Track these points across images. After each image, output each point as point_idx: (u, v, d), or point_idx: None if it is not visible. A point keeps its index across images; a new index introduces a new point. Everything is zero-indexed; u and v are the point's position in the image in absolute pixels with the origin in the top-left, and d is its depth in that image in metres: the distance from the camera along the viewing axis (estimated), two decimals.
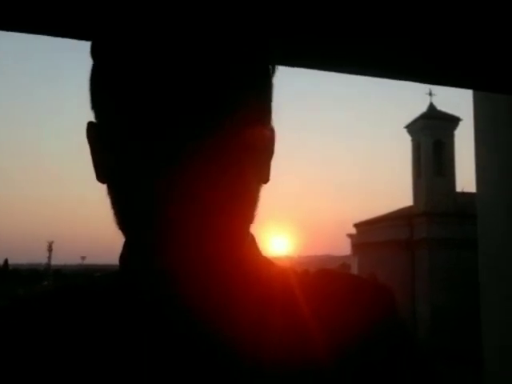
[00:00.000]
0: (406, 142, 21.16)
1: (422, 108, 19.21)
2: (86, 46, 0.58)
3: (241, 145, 0.54)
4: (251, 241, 0.62)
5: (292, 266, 0.64)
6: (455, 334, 15.01)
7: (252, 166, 0.56)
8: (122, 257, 0.61)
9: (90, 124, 0.59)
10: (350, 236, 22.50)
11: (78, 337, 0.56)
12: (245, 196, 0.56)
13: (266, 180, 0.62)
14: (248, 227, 0.60)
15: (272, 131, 0.62)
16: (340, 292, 0.59)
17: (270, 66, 0.59)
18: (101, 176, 0.59)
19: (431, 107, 18.89)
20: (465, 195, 17.77)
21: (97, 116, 0.58)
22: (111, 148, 0.55)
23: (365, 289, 0.61)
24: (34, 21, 0.97)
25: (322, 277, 0.62)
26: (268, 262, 0.63)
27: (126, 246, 0.60)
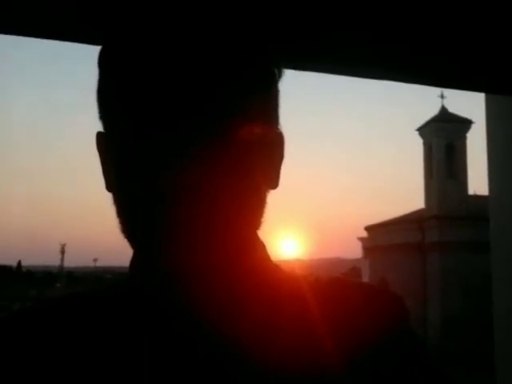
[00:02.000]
0: (417, 145, 21.02)
1: (434, 111, 19.10)
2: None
3: (247, 148, 0.54)
4: (262, 247, 0.62)
5: (303, 274, 0.63)
6: (467, 340, 14.86)
7: (259, 170, 0.56)
8: (132, 262, 0.61)
9: (98, 134, 0.60)
10: (361, 239, 22.39)
11: (84, 341, 0.56)
12: (252, 200, 0.56)
13: (274, 185, 0.61)
14: (255, 232, 0.60)
15: (280, 135, 0.62)
16: (351, 300, 0.59)
17: (276, 71, 0.59)
18: (109, 186, 0.59)
19: (443, 110, 18.79)
20: (477, 198, 17.63)
21: (104, 126, 0.59)
22: (117, 156, 0.55)
23: (376, 297, 0.61)
24: (39, 25, 0.98)
25: (333, 284, 0.62)
26: (277, 268, 0.63)
27: (135, 252, 0.60)
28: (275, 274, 0.62)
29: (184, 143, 0.50)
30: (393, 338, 0.58)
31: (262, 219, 0.59)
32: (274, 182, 0.61)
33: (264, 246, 0.62)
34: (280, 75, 0.60)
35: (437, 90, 19.38)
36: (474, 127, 18.31)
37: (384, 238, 19.84)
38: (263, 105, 0.57)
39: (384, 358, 0.56)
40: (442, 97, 18.79)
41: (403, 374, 0.56)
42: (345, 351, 0.54)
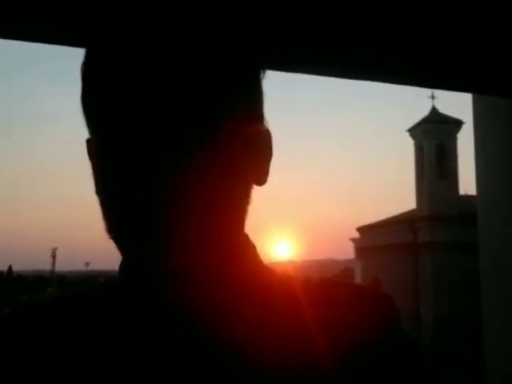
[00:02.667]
0: (408, 146, 21.08)
1: (425, 111, 19.19)
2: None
3: (236, 147, 0.55)
4: (252, 248, 0.62)
5: (293, 274, 0.64)
6: (459, 339, 14.92)
7: (248, 168, 0.57)
8: (122, 265, 0.61)
9: (88, 141, 0.61)
10: (353, 240, 22.41)
11: (79, 344, 0.56)
12: (242, 199, 0.58)
13: (262, 182, 0.61)
14: (244, 232, 0.61)
15: (267, 132, 0.62)
16: (342, 300, 0.59)
17: (260, 68, 0.60)
18: (98, 189, 0.59)
19: (433, 111, 18.85)
20: (468, 198, 17.70)
21: (90, 132, 0.59)
22: (103, 161, 0.56)
23: (366, 297, 0.61)
24: (28, 28, 0.98)
25: (323, 285, 0.62)
26: (268, 269, 0.63)
27: (123, 253, 0.59)
28: (267, 275, 0.62)
29: (174, 145, 0.51)
30: (384, 337, 0.58)
31: (245, 216, 0.59)
32: (261, 179, 0.61)
33: (254, 247, 0.63)
34: (264, 72, 0.61)
35: (427, 91, 19.48)
36: (464, 128, 18.41)
37: (376, 238, 19.88)
38: (250, 103, 0.58)
39: (375, 357, 0.56)
40: (433, 97, 18.86)
41: (395, 373, 0.57)
42: (336, 351, 0.54)
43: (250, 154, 0.58)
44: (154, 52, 0.52)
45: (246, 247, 0.61)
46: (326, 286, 0.62)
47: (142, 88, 0.51)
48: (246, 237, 0.62)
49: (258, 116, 0.61)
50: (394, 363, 0.57)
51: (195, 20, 0.55)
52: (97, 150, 0.57)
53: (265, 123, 0.62)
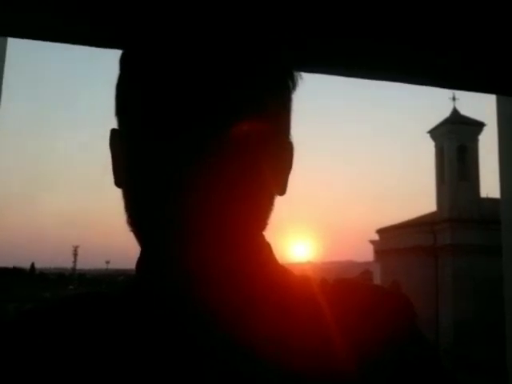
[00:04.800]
0: (429, 148, 20.88)
1: (446, 113, 18.99)
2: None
3: (260, 151, 0.55)
4: (268, 248, 0.63)
5: (311, 275, 0.64)
6: (479, 344, 14.72)
7: (270, 174, 0.57)
8: (139, 262, 0.61)
9: (113, 130, 0.62)
10: (373, 242, 22.28)
11: (96, 343, 0.56)
12: (262, 201, 0.58)
13: (282, 192, 0.62)
14: (262, 233, 0.61)
15: (291, 145, 0.64)
16: (358, 302, 0.59)
17: (289, 80, 0.61)
18: (118, 181, 0.60)
19: (454, 112, 18.67)
20: (489, 201, 17.47)
21: (120, 123, 0.60)
22: (132, 151, 0.57)
23: (384, 298, 0.61)
24: (60, 30, 1.00)
25: (340, 286, 0.62)
26: (285, 270, 0.64)
27: (143, 250, 0.61)
28: (284, 275, 0.62)
29: (198, 144, 0.52)
30: (402, 339, 0.58)
31: (268, 221, 0.60)
32: (282, 189, 0.62)
33: (270, 248, 0.63)
34: (294, 86, 0.61)
35: (448, 92, 19.26)
36: (486, 129, 18.18)
37: (396, 241, 19.73)
38: (276, 110, 0.58)
39: (394, 358, 0.56)
40: (454, 99, 18.68)
41: (413, 375, 0.56)
42: (355, 352, 0.54)
43: (274, 162, 0.58)
44: (193, 48, 0.54)
45: (262, 247, 0.62)
46: (343, 286, 0.62)
47: (180, 82, 0.53)
48: (263, 237, 0.62)
49: (285, 125, 0.62)
50: (413, 365, 0.57)
51: (231, 23, 0.57)
52: (126, 139, 0.58)
53: (290, 135, 0.63)
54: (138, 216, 0.57)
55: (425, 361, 0.59)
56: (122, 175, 0.59)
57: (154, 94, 0.54)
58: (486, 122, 18.31)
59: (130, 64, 0.58)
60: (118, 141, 0.60)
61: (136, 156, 0.56)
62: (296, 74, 0.62)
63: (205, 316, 0.55)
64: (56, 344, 0.57)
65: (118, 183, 0.60)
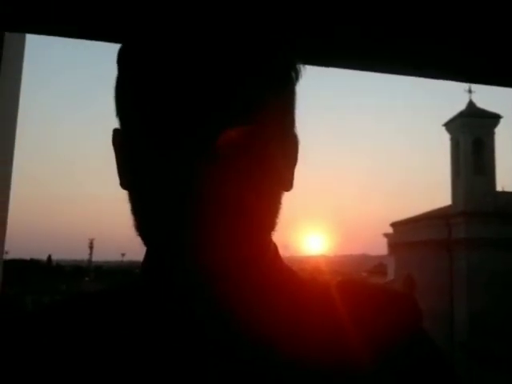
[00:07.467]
0: (444, 141, 20.64)
1: (461, 106, 18.73)
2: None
3: (267, 148, 0.55)
4: (274, 247, 0.63)
5: (324, 268, 0.65)
6: (494, 337, 14.60)
7: (277, 170, 0.57)
8: (147, 260, 0.61)
9: (115, 131, 0.61)
10: (387, 235, 22.06)
11: (108, 337, 0.57)
12: (271, 199, 0.58)
13: (289, 187, 0.62)
14: (270, 233, 0.61)
15: (296, 138, 0.63)
16: (369, 299, 0.60)
17: (293, 72, 0.59)
18: (124, 183, 0.59)
19: (470, 105, 18.35)
20: (505, 194, 17.25)
21: (121, 123, 0.59)
22: (134, 155, 0.55)
23: (392, 297, 0.62)
24: (66, 25, 1.04)
25: (344, 287, 0.62)
26: (291, 270, 0.64)
27: (150, 250, 0.60)
28: (293, 273, 0.63)
29: (205, 146, 0.51)
30: (408, 337, 0.59)
31: (278, 220, 0.59)
32: (289, 184, 0.62)
33: (276, 247, 0.63)
34: (297, 78, 0.60)
35: (464, 85, 18.98)
36: (502, 122, 17.89)
37: (410, 234, 19.53)
38: (281, 105, 0.58)
39: (403, 355, 0.57)
40: (470, 91, 18.35)
41: (421, 374, 0.58)
42: (369, 345, 0.55)
43: (281, 158, 0.58)
44: (195, 49, 0.53)
45: (269, 246, 0.62)
46: (347, 287, 0.62)
47: (182, 82, 0.52)
48: (270, 237, 0.62)
49: (290, 118, 0.61)
50: (421, 364, 0.58)
51: (231, 20, 0.56)
52: (127, 142, 0.57)
53: (295, 128, 0.63)
54: (147, 220, 0.56)
55: (432, 361, 0.60)
56: (128, 178, 0.58)
57: (156, 95, 0.53)
58: (502, 114, 18.02)
59: (130, 65, 0.57)
60: (120, 142, 0.60)
61: (139, 160, 0.55)
62: (298, 65, 0.60)
63: (219, 310, 0.55)
64: (72, 334, 0.58)
65: (122, 185, 0.60)
